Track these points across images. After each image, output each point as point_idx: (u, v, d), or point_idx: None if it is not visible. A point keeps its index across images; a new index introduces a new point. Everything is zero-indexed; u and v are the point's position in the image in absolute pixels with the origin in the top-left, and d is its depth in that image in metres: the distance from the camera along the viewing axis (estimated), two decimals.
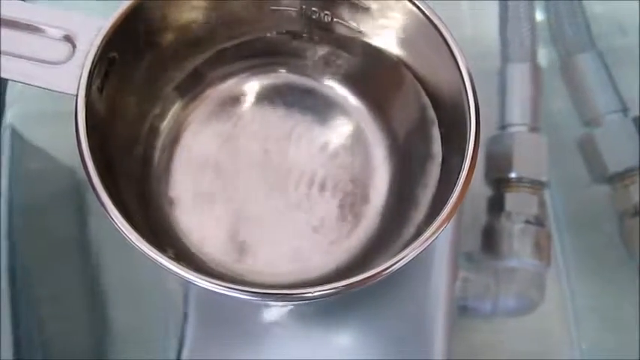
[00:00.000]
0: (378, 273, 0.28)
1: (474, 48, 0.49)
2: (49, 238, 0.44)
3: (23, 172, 0.44)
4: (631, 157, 0.45)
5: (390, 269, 0.28)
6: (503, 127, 0.46)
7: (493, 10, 0.49)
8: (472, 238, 0.45)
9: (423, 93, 0.34)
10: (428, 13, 0.32)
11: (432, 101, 0.34)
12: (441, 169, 0.33)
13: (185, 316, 0.38)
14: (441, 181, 0.33)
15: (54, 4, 0.42)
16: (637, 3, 0.49)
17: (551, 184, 0.46)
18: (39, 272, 0.43)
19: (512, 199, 0.44)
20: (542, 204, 0.44)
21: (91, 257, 0.44)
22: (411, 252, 0.29)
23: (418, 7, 0.32)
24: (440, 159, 0.34)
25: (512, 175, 0.44)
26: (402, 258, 0.29)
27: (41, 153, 0.45)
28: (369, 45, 0.35)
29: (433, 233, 0.29)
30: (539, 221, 0.44)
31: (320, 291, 0.28)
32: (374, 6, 0.34)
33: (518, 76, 0.47)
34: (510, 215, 0.44)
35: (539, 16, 0.49)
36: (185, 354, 0.38)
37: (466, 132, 0.30)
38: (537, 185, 0.44)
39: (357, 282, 0.28)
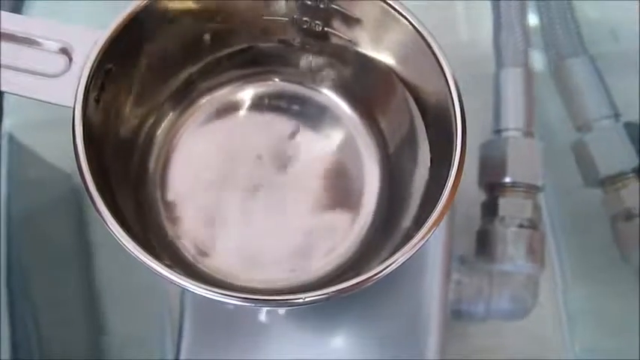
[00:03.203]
0: (369, 278, 0.29)
1: (469, 52, 0.50)
2: (47, 244, 0.45)
3: (21, 179, 0.44)
4: (622, 162, 0.46)
5: (380, 274, 0.29)
6: (497, 131, 0.46)
7: (488, 15, 0.49)
8: (466, 241, 0.45)
9: (412, 102, 0.35)
10: (415, 24, 0.32)
11: (420, 109, 0.34)
12: (430, 176, 0.34)
13: (182, 318, 0.39)
14: (429, 187, 0.33)
15: (51, 14, 0.42)
16: (631, 9, 0.50)
17: (547, 187, 0.46)
18: (37, 277, 0.44)
19: (505, 203, 0.44)
20: (536, 207, 0.44)
21: (88, 261, 0.44)
22: (400, 257, 0.29)
23: (405, 18, 0.32)
24: (428, 166, 0.34)
25: (507, 179, 0.44)
26: (392, 263, 0.29)
27: (39, 160, 0.46)
28: (360, 54, 0.36)
29: (422, 238, 0.29)
30: (533, 224, 0.44)
31: (311, 297, 0.28)
32: (364, 16, 0.34)
33: (512, 80, 0.47)
34: (504, 219, 0.44)
35: (532, 21, 0.49)
36: (182, 355, 0.38)
37: (453, 140, 0.30)
38: (532, 189, 0.45)
39: (347, 287, 0.29)
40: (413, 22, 0.32)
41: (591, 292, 0.47)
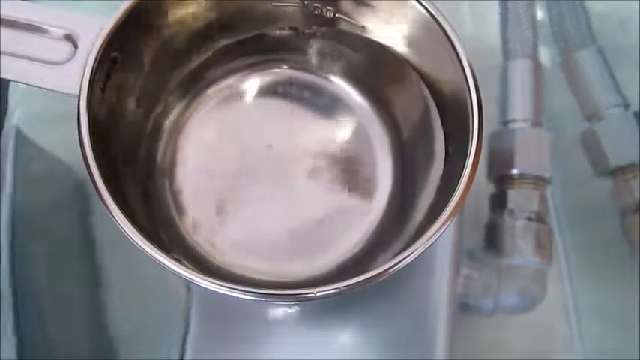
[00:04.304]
0: (381, 273, 0.28)
1: (475, 45, 0.49)
2: (52, 238, 0.44)
3: (27, 173, 0.44)
4: (632, 152, 0.45)
5: (393, 269, 0.28)
6: (504, 122, 0.46)
7: (494, 7, 0.49)
8: (474, 235, 0.45)
9: (426, 91, 0.34)
10: (432, 11, 0.32)
11: (435, 99, 0.34)
12: (444, 168, 0.33)
13: (188, 315, 0.38)
14: (443, 179, 0.33)
15: (55, 3, 0.42)
16: (638, 1, 0.49)
17: (553, 180, 0.46)
18: (42, 272, 0.43)
19: (514, 196, 0.44)
20: (543, 200, 0.44)
21: (94, 257, 0.44)
22: (413, 251, 0.28)
23: (422, 4, 0.32)
24: (443, 157, 0.33)
25: (515, 171, 0.44)
26: (405, 257, 0.28)
27: (45, 154, 0.45)
28: (372, 41, 0.35)
29: (436, 232, 0.29)
30: (540, 218, 0.44)
31: (322, 291, 0.28)
32: (376, 2, 0.34)
33: (520, 72, 0.47)
34: (512, 212, 0.43)
35: (541, 13, 0.49)
36: (188, 354, 0.38)
37: (469, 131, 0.30)
38: (540, 181, 0.44)
39: (360, 282, 0.28)
40: (428, 8, 0.32)
41: (599, 285, 0.46)
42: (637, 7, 0.49)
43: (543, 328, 0.45)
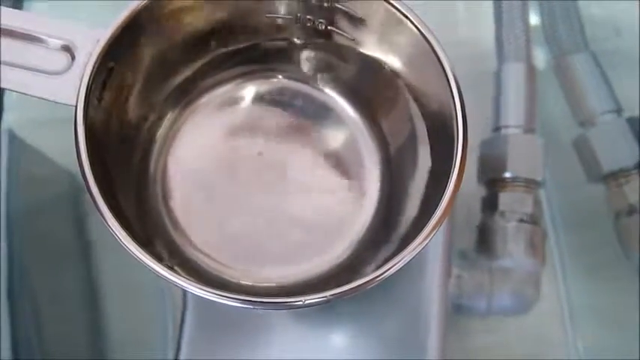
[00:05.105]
0: (368, 281, 0.29)
1: (470, 49, 0.49)
2: (48, 241, 0.44)
3: (22, 176, 0.44)
4: (625, 157, 0.45)
5: (380, 278, 0.29)
6: (497, 128, 0.46)
7: (489, 12, 0.49)
8: (466, 236, 0.45)
9: (414, 104, 0.35)
10: (419, 26, 0.32)
11: (422, 112, 0.34)
12: (429, 180, 0.34)
13: (183, 316, 0.38)
14: (429, 190, 0.33)
15: (53, 10, 0.42)
16: (633, 5, 0.50)
17: (547, 184, 0.46)
18: (38, 274, 0.44)
19: (505, 198, 0.44)
20: (537, 203, 0.44)
21: (89, 259, 0.44)
22: (399, 261, 0.29)
23: (409, 19, 0.32)
24: (428, 170, 0.34)
25: (507, 174, 0.44)
26: (391, 267, 0.29)
27: (40, 156, 0.45)
28: (363, 54, 0.36)
29: (420, 243, 0.29)
30: (533, 220, 0.44)
31: (310, 299, 0.28)
32: (368, 17, 0.34)
33: (513, 76, 0.47)
34: (504, 214, 0.44)
35: (535, 19, 0.49)
36: (183, 354, 0.38)
37: (454, 145, 0.30)
38: (532, 184, 0.44)
39: (347, 290, 0.29)
40: (417, 24, 0.32)
41: (593, 288, 0.47)
42: (632, 12, 0.49)
43: (538, 330, 0.45)
